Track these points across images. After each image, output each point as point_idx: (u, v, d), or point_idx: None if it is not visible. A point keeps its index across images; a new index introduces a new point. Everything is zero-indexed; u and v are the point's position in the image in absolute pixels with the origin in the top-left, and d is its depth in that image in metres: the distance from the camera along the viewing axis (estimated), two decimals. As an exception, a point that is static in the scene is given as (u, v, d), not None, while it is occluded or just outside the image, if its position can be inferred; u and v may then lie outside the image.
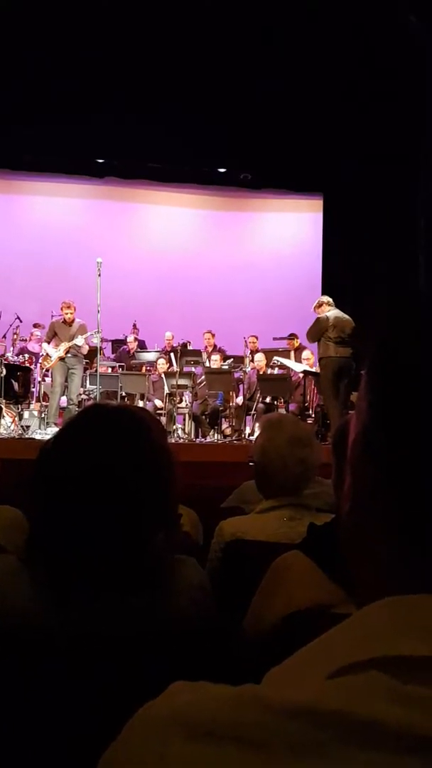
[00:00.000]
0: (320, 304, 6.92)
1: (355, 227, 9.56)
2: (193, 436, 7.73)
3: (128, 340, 8.85)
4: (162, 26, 7.67)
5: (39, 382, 7.82)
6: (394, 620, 0.34)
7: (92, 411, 1.03)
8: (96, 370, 7.42)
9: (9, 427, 7.00)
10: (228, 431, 7.75)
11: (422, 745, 0.29)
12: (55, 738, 0.82)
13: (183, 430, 7.85)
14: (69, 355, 7.25)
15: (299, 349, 7.96)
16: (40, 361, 7.69)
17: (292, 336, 8.17)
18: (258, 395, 7.52)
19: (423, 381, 0.36)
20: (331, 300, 6.96)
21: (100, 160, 10.00)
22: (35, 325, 8.54)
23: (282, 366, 7.76)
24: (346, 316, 6.76)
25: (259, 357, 7.90)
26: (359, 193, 9.35)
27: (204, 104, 8.53)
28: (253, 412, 7.49)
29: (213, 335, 8.51)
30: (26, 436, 6.79)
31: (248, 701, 0.31)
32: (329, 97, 8.46)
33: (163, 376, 7.90)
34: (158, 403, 7.92)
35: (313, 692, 0.31)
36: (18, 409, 7.30)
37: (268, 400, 7.48)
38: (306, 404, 7.34)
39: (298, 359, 7.77)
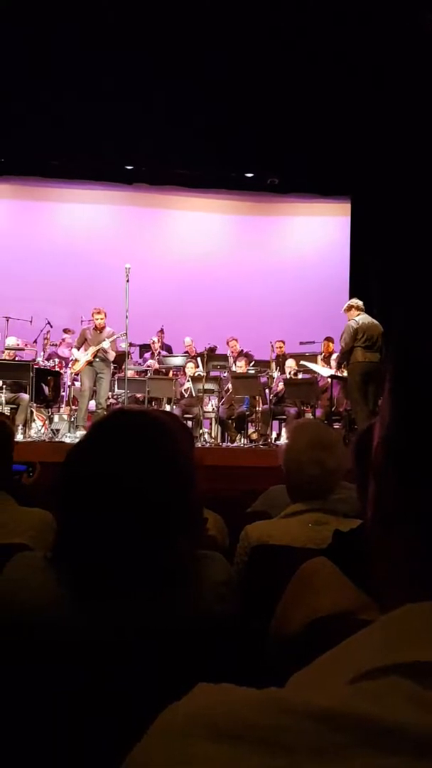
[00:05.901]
0: (350, 308, 6.88)
1: (383, 230, 9.48)
2: (219, 440, 7.73)
3: (153, 341, 8.84)
4: (191, 33, 7.72)
5: (69, 386, 7.91)
6: (416, 626, 0.34)
7: (115, 417, 1.05)
8: (124, 375, 7.48)
9: (39, 430, 7.11)
10: (254, 436, 7.73)
11: None
12: (77, 735, 0.83)
13: (209, 434, 7.86)
14: (97, 359, 7.31)
15: (332, 353, 7.87)
16: (69, 365, 7.79)
17: (328, 339, 8.07)
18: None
19: None
20: (361, 304, 6.91)
21: (129, 167, 10.11)
22: (65, 330, 8.65)
23: (308, 370, 7.71)
24: (375, 322, 6.71)
25: (290, 363, 7.88)
26: (387, 196, 9.27)
27: (231, 110, 8.56)
28: (283, 416, 7.48)
29: (237, 341, 8.52)
30: (56, 439, 6.88)
31: (271, 704, 0.32)
32: (356, 100, 8.41)
33: (190, 380, 7.92)
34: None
35: (335, 696, 0.31)
36: (48, 412, 7.40)
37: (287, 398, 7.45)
38: (333, 408, 7.28)
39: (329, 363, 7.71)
